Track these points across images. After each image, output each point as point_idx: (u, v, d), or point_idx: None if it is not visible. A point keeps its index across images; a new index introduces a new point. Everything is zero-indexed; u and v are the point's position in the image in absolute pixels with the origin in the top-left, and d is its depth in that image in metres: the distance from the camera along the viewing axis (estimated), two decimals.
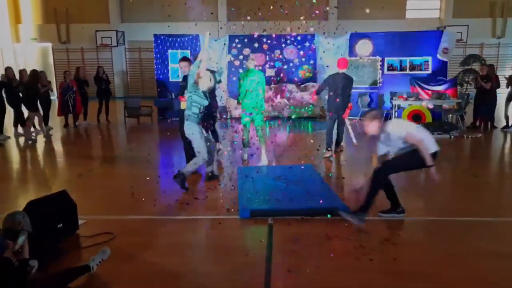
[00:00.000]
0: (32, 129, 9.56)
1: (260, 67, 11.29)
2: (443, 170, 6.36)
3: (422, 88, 10.57)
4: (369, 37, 11.15)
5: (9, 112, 9.03)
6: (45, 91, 9.66)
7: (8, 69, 9.01)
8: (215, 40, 11.74)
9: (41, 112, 9.40)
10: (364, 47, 11.09)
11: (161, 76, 11.59)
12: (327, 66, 11.31)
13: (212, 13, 16.92)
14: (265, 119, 6.70)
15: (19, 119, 9.12)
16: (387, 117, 10.48)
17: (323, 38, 11.73)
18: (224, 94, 11.37)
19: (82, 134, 9.90)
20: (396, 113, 9.93)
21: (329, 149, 6.85)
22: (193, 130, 5.07)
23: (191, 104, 5.07)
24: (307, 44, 11.47)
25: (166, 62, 11.51)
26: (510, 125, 9.42)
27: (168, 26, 12.10)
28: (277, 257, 3.32)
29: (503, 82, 10.11)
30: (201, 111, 5.10)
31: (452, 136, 8.59)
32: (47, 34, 19.64)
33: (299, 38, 11.46)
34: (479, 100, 9.84)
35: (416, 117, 9.45)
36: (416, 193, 5.03)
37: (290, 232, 3.75)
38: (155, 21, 17.73)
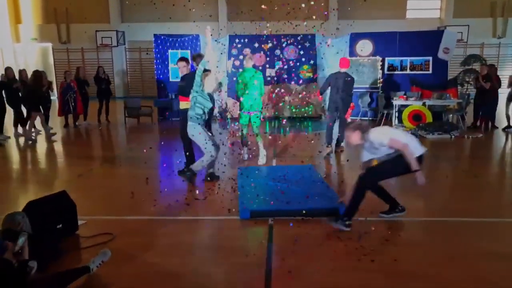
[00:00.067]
0: (32, 129, 9.56)
1: (260, 67, 11.29)
2: (444, 170, 6.37)
3: (423, 88, 10.56)
4: (370, 37, 11.14)
5: (9, 112, 9.03)
6: (46, 91, 9.66)
7: (8, 69, 9.02)
8: (216, 40, 11.73)
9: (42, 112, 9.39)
10: (365, 47, 11.09)
11: (161, 76, 11.59)
12: (323, 68, 11.33)
13: (210, 15, 16.89)
14: (262, 119, 6.71)
15: (19, 119, 9.14)
16: (387, 118, 10.51)
17: (324, 38, 11.72)
18: (222, 94, 11.36)
19: (82, 134, 9.90)
20: (396, 113, 9.93)
21: (329, 145, 6.87)
22: (195, 131, 5.08)
23: (194, 104, 5.07)
24: (307, 44, 11.46)
25: (166, 62, 11.51)
26: (511, 125, 9.41)
27: (170, 28, 12.13)
28: (277, 258, 3.31)
29: (504, 82, 10.08)
30: (204, 112, 5.12)
31: (453, 136, 8.58)
32: (47, 34, 19.65)
33: (299, 38, 11.45)
34: (479, 100, 9.84)
35: (416, 117, 9.45)
36: (416, 193, 5.01)
37: (290, 233, 3.74)
38: (155, 21, 17.74)
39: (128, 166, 6.64)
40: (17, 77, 9.42)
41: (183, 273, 3.11)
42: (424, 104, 9.60)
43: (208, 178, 5.46)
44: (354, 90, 7.20)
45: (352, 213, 3.81)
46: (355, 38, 11.19)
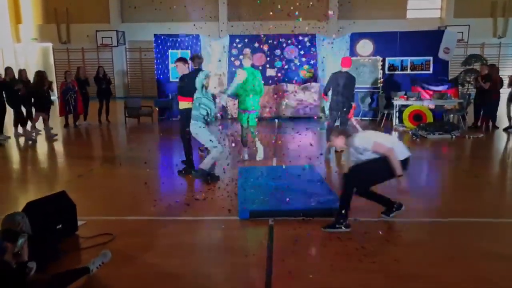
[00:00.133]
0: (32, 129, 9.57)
1: (261, 67, 11.29)
2: (445, 170, 6.36)
3: (423, 88, 10.54)
4: (370, 37, 11.12)
5: (9, 112, 9.02)
6: (46, 91, 9.65)
7: (8, 69, 9.01)
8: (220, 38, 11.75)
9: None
10: (365, 47, 11.07)
11: (161, 76, 11.58)
12: (323, 69, 11.34)
13: (211, 17, 16.88)
14: (257, 119, 6.75)
15: (19, 119, 9.14)
16: (388, 118, 10.50)
17: (324, 38, 11.71)
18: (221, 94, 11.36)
19: (82, 134, 9.90)
20: (397, 113, 9.92)
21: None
22: (199, 129, 5.17)
23: (199, 106, 5.14)
24: (307, 44, 11.45)
25: (166, 62, 11.50)
26: None
27: (170, 28, 12.13)
28: (277, 258, 3.30)
29: (505, 82, 10.06)
30: (208, 113, 5.17)
31: (454, 136, 8.57)
32: (47, 34, 19.64)
33: (299, 38, 11.44)
34: (479, 100, 9.83)
35: (417, 117, 9.44)
36: (417, 194, 5.00)
37: (290, 233, 3.73)
38: (155, 21, 17.73)
39: (128, 166, 6.63)
40: (16, 77, 9.41)
41: (183, 274, 3.10)
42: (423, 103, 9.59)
43: (209, 178, 5.44)
44: (354, 90, 7.19)
45: (345, 213, 3.78)
46: (355, 38, 11.17)
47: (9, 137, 9.04)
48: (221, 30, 17.54)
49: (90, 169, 6.38)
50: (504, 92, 9.75)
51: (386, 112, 10.48)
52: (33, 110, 9.25)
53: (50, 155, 7.77)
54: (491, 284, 2.94)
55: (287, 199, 4.34)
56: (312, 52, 11.50)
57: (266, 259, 3.28)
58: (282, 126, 10.18)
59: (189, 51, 11.39)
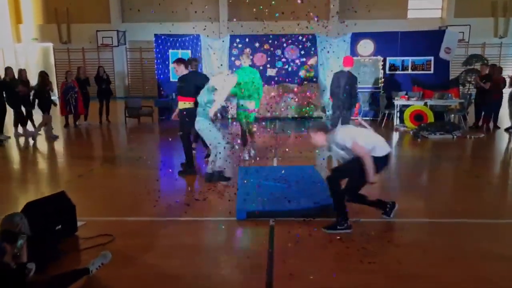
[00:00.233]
0: (32, 129, 9.55)
1: (261, 67, 11.27)
2: (446, 171, 6.34)
3: (424, 88, 10.53)
4: (371, 37, 11.10)
5: (9, 112, 9.01)
6: (47, 91, 9.68)
7: (8, 69, 9.01)
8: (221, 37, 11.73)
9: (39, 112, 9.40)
10: (366, 47, 11.05)
11: (162, 76, 11.57)
12: (321, 64, 11.33)
13: (211, 18, 16.84)
14: (258, 119, 6.79)
15: (19, 119, 9.14)
16: (389, 118, 10.48)
17: (325, 38, 11.69)
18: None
19: (82, 134, 9.88)
20: (398, 113, 9.90)
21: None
22: (204, 126, 5.22)
23: (205, 104, 5.19)
24: (308, 44, 11.43)
25: (167, 62, 11.48)
26: None
27: (171, 28, 12.10)
28: (278, 259, 3.28)
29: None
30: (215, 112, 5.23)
31: (455, 136, 8.55)
32: (48, 34, 19.63)
33: (300, 38, 11.42)
34: (479, 100, 9.81)
35: (418, 117, 9.41)
36: (417, 194, 5.00)
37: (291, 234, 3.71)
38: (156, 21, 17.71)
39: (129, 166, 6.62)
40: (16, 77, 9.40)
41: (183, 275, 3.08)
42: (425, 104, 9.56)
43: (210, 175, 5.44)
44: (357, 89, 7.18)
45: (344, 214, 3.76)
46: (356, 37, 11.15)
47: (9, 137, 9.03)
48: (221, 33, 17.53)
49: (90, 169, 6.36)
50: (506, 92, 9.72)
51: (387, 112, 10.46)
52: (31, 110, 9.29)
53: (50, 155, 7.76)
54: (491, 284, 2.93)
55: (287, 200, 4.31)
56: (312, 52, 11.47)
57: (266, 260, 3.26)
58: (282, 126, 10.15)
59: (189, 51, 11.38)
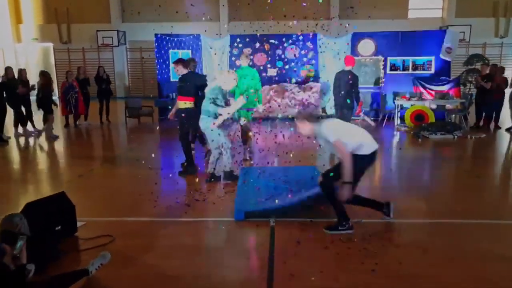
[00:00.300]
0: (32, 128, 9.56)
1: (262, 67, 11.26)
2: (446, 171, 6.32)
3: (425, 88, 10.50)
4: (371, 36, 11.08)
5: (9, 112, 9.00)
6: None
7: (8, 69, 9.00)
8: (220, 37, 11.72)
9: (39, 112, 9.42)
10: (366, 47, 11.03)
11: (164, 76, 11.54)
12: (324, 66, 11.32)
13: (211, 18, 16.85)
14: (259, 120, 6.79)
15: (19, 119, 9.13)
16: (390, 117, 10.46)
17: (325, 38, 11.66)
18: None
19: (82, 134, 9.87)
20: (399, 113, 9.88)
21: None
22: (208, 124, 5.21)
23: (209, 103, 5.19)
24: (309, 43, 11.41)
25: (167, 62, 11.46)
26: None
27: (171, 28, 12.08)
28: (279, 260, 3.26)
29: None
30: (212, 100, 5.22)
31: (456, 137, 8.52)
32: (48, 34, 19.62)
33: (300, 37, 11.39)
34: (480, 100, 9.79)
35: (419, 117, 9.40)
36: (418, 194, 4.98)
37: (292, 235, 3.69)
38: (156, 21, 17.70)
39: (129, 166, 6.60)
40: (16, 76, 9.40)
41: (183, 275, 3.06)
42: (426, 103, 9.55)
43: (211, 175, 5.43)
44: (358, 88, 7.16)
45: (343, 215, 3.73)
46: (356, 37, 11.13)
47: (9, 137, 9.01)
48: (221, 34, 17.51)
49: (91, 169, 6.35)
50: (507, 92, 9.70)
51: (387, 112, 10.43)
52: (31, 110, 9.33)
53: (50, 155, 7.75)
54: (492, 285, 2.93)
55: (286, 194, 4.27)
56: (313, 52, 11.44)
57: (267, 261, 3.24)
58: (283, 126, 10.13)
59: (190, 51, 11.37)
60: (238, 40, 11.41)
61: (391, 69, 11.05)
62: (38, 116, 9.86)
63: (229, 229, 3.94)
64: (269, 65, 11.48)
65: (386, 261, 3.23)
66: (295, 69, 11.38)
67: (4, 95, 8.64)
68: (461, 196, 4.98)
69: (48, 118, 9.17)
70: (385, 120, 10.34)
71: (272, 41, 11.10)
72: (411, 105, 9.64)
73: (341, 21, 17.69)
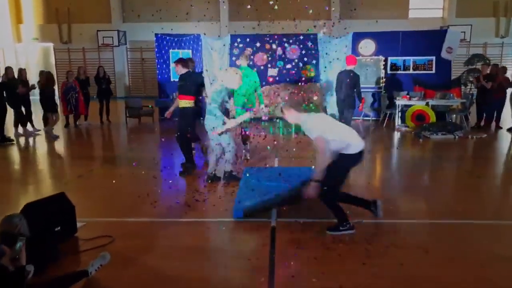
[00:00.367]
0: (31, 128, 9.55)
1: (262, 67, 11.24)
2: (447, 171, 6.30)
3: (426, 88, 10.49)
4: (372, 36, 11.06)
5: (9, 112, 8.99)
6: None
7: (8, 69, 8.99)
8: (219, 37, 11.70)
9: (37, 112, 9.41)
10: (367, 47, 11.01)
11: (164, 76, 11.52)
12: (325, 67, 11.30)
13: (212, 17, 16.81)
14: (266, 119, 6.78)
15: (19, 119, 9.12)
16: (390, 118, 10.44)
17: (326, 38, 11.65)
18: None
19: (83, 134, 9.86)
20: (399, 113, 9.85)
21: None
22: (212, 125, 5.20)
23: (214, 103, 5.20)
24: (309, 43, 11.39)
25: (167, 62, 11.45)
26: None
27: (171, 28, 12.07)
28: (280, 261, 3.24)
29: None
30: (223, 107, 5.28)
31: (457, 137, 8.50)
32: (48, 34, 19.63)
33: (301, 37, 11.38)
34: (481, 100, 9.77)
35: (419, 117, 9.38)
36: (419, 194, 4.96)
37: (293, 236, 3.67)
38: (156, 21, 17.68)
39: (129, 166, 6.57)
40: (16, 76, 9.39)
41: (183, 277, 3.04)
42: (427, 104, 9.52)
43: (212, 176, 5.42)
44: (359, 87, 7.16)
45: (342, 216, 3.71)
46: (357, 37, 11.11)
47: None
48: (221, 35, 17.50)
49: (90, 170, 6.33)
50: (508, 92, 9.68)
51: (388, 112, 10.42)
52: (30, 110, 9.34)
53: (50, 155, 7.73)
54: (492, 285, 2.92)
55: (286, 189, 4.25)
56: (313, 52, 11.43)
57: (268, 262, 3.22)
58: (283, 126, 10.10)
59: (190, 51, 11.35)
60: (238, 40, 11.39)
61: (391, 69, 11.03)
62: (38, 116, 9.86)
63: (229, 230, 3.92)
64: (269, 65, 11.46)
65: (387, 262, 3.21)
66: (294, 70, 11.36)
67: (4, 95, 8.63)
68: (462, 197, 4.96)
69: (48, 117, 9.17)
70: (385, 120, 10.32)
71: (274, 46, 11.11)
72: (412, 105, 9.61)
73: (342, 21, 17.69)
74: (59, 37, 19.60)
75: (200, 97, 6.18)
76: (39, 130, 9.59)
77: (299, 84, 11.29)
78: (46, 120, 9.37)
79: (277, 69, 11.46)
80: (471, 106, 10.36)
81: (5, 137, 8.50)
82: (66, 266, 3.13)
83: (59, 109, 10.23)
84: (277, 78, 11.33)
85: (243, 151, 6.68)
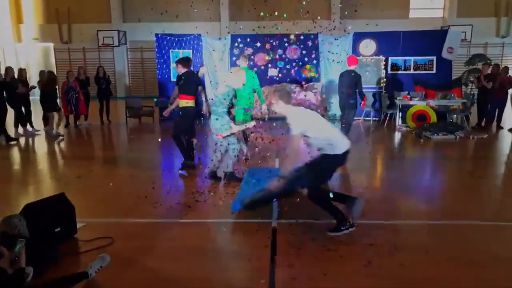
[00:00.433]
0: (31, 128, 9.54)
1: (263, 67, 11.22)
2: (448, 171, 6.28)
3: (426, 88, 10.47)
4: (373, 36, 11.04)
5: (9, 112, 8.98)
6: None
7: (9, 69, 8.97)
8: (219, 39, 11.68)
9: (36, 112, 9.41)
10: (368, 47, 11.00)
11: (164, 76, 11.50)
12: (325, 67, 11.30)
13: (211, 17, 16.79)
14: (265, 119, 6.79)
15: (19, 119, 9.11)
16: (391, 118, 10.41)
17: (327, 37, 11.62)
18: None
19: (83, 134, 9.84)
20: (400, 113, 9.83)
21: None
22: (216, 125, 5.18)
23: (220, 104, 5.20)
24: (310, 43, 11.37)
25: (168, 62, 11.43)
26: None
27: (172, 28, 12.06)
28: (281, 263, 3.22)
29: None
30: (228, 105, 5.26)
31: (458, 137, 8.48)
32: (48, 34, 19.60)
33: (302, 37, 11.36)
34: (482, 100, 9.75)
35: (420, 117, 9.36)
36: (420, 195, 4.94)
37: (294, 238, 3.66)
38: (157, 21, 17.68)
39: (129, 166, 6.56)
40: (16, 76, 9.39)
41: (183, 278, 3.03)
42: (428, 104, 9.51)
43: (212, 176, 5.42)
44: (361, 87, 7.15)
45: (339, 216, 3.69)
46: (358, 37, 11.09)
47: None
48: (222, 35, 17.49)
49: (90, 170, 6.31)
50: (510, 92, 9.66)
51: (389, 112, 10.40)
52: (30, 110, 9.35)
53: (50, 156, 7.71)
54: (493, 285, 2.92)
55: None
56: (314, 52, 11.40)
57: (269, 264, 3.21)
58: (284, 126, 10.08)
59: (190, 51, 11.33)
60: (239, 40, 11.37)
61: (392, 69, 11.01)
62: (38, 116, 9.85)
63: (230, 231, 3.91)
64: (270, 65, 11.44)
65: (388, 262, 3.20)
66: (294, 69, 11.34)
67: (4, 95, 8.62)
68: (463, 197, 4.95)
69: (49, 117, 9.16)
70: (386, 120, 10.30)
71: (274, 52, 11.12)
72: (413, 105, 9.59)
73: (342, 21, 17.68)
74: (59, 37, 19.58)
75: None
76: (38, 130, 9.59)
77: (300, 84, 11.28)
78: (46, 120, 9.38)
79: (277, 69, 11.44)
80: (472, 106, 10.34)
81: (10, 137, 8.51)
82: (65, 268, 3.11)
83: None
84: (277, 79, 11.30)
85: (244, 150, 6.66)
